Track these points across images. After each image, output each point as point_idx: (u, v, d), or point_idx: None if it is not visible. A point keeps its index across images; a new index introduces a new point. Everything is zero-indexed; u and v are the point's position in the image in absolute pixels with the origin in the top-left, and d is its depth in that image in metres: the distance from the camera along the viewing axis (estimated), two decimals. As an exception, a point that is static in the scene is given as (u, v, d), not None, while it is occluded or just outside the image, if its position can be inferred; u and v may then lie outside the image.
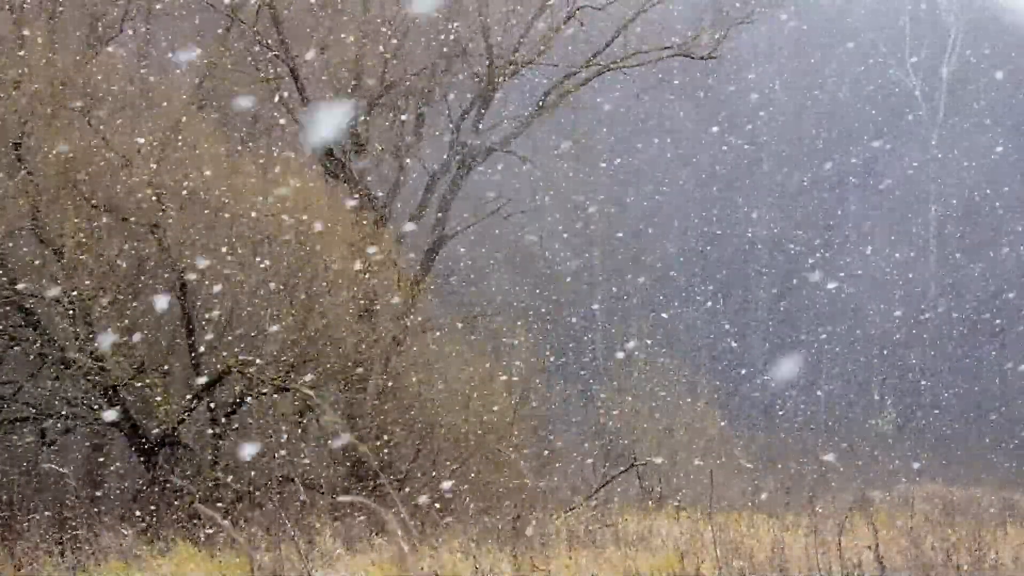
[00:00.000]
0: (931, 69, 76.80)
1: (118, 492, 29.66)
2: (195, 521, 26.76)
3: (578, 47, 39.40)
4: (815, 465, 44.67)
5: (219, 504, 27.39)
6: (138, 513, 27.30)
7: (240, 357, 28.67)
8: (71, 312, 28.09)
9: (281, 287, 29.01)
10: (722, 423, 48.51)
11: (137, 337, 28.72)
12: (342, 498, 27.38)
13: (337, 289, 29.65)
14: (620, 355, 51.80)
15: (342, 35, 35.75)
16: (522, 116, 39.94)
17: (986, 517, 27.89)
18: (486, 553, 23.50)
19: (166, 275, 29.07)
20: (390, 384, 30.83)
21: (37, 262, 28.41)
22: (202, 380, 29.02)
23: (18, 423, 29.71)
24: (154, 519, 26.97)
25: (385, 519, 24.50)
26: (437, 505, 28.17)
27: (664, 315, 66.97)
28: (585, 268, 66.67)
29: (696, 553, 22.77)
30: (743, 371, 68.49)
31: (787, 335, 70.55)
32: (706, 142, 71.74)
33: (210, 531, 25.81)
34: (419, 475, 29.66)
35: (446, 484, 28.95)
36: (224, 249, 28.85)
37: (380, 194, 37.07)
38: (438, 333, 34.06)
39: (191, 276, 28.79)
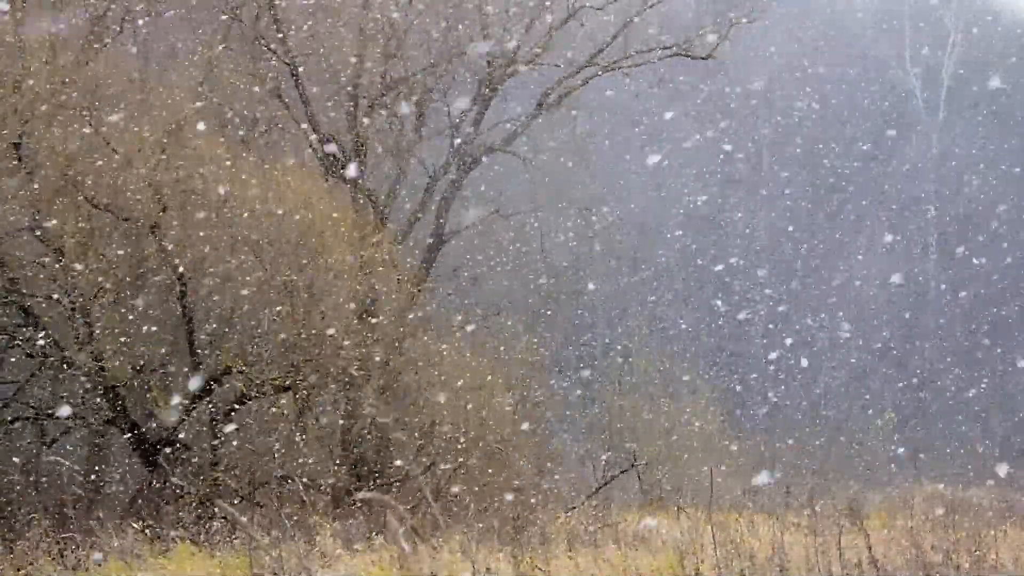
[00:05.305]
0: (931, 69, 76.83)
1: (118, 492, 29.64)
2: (196, 520, 26.75)
3: (578, 47, 39.38)
4: (815, 465, 44.64)
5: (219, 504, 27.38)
6: (138, 513, 27.28)
7: (240, 357, 28.66)
8: (71, 312, 28.07)
9: (281, 287, 28.99)
10: (722, 423, 48.48)
11: (137, 337, 28.70)
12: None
13: (337, 289, 29.63)
14: (620, 355, 51.77)
15: (342, 35, 35.74)
16: (522, 116, 39.93)
17: (986, 517, 27.85)
18: (486, 553, 23.47)
19: (166, 275, 29.05)
20: (390, 384, 30.82)
21: (37, 262, 28.38)
22: (202, 380, 29.01)
23: (18, 423, 29.71)
24: (154, 519, 26.94)
25: (391, 515, 24.53)
26: (437, 505, 28.15)
27: (664, 315, 66.99)
28: (585, 268, 66.64)
29: (696, 553, 22.75)
30: (743, 371, 68.49)
31: (787, 335, 70.55)
32: (706, 142, 71.74)
33: (211, 530, 25.80)
34: (419, 475, 29.62)
35: (446, 484, 28.95)
36: (224, 249, 28.83)
37: (381, 192, 37.07)
38: (438, 333, 34.01)
39: (191, 276, 28.77)
